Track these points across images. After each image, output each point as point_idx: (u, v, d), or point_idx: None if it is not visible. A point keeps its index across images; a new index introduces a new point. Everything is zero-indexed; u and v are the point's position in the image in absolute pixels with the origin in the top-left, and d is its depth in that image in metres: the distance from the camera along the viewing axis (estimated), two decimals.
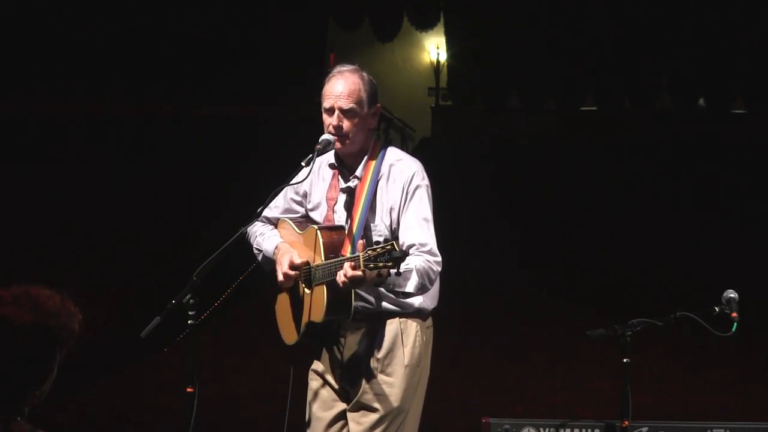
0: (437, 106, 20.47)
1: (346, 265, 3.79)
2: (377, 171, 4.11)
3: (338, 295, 3.91)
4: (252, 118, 16.64)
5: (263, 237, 4.28)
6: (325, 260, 3.96)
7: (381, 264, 3.64)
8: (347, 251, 3.96)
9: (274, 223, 4.34)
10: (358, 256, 3.74)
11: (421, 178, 4.11)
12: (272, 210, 4.32)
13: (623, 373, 4.08)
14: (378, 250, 3.66)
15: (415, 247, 3.99)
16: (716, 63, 17.10)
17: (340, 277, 3.80)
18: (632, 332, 4.11)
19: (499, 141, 17.40)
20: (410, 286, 3.91)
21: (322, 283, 3.94)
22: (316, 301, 3.99)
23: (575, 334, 6.43)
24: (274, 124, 16.20)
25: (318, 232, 4.04)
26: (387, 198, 4.10)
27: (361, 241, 3.90)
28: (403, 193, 4.08)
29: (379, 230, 4.08)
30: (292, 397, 4.19)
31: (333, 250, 3.99)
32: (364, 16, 17.89)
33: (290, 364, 4.22)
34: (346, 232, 4.05)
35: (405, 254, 3.69)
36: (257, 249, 4.29)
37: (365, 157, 4.14)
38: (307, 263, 4.07)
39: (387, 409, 4.07)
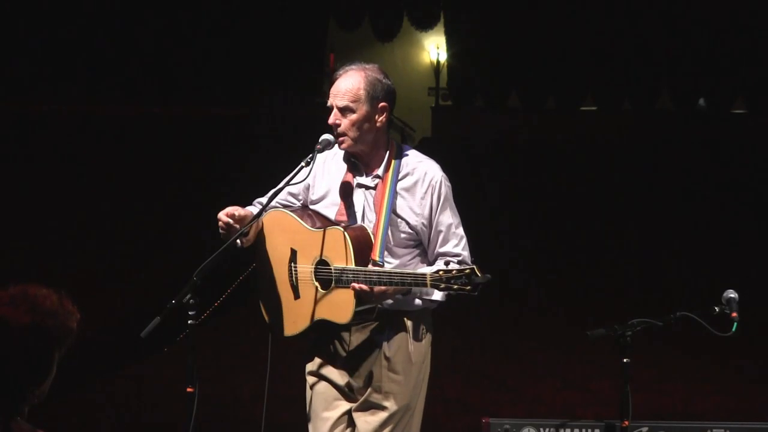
0: (437, 106, 20.49)
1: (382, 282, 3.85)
2: (397, 171, 4.10)
3: (367, 302, 3.95)
4: (252, 117, 16.64)
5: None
6: (356, 265, 3.93)
7: (456, 286, 3.72)
8: (376, 254, 3.96)
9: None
10: (425, 275, 3.78)
11: (448, 185, 4.13)
12: (268, 199, 4.23)
13: (623, 373, 4.08)
14: (454, 273, 3.73)
15: (452, 256, 4.04)
16: (716, 63, 17.10)
17: (376, 288, 3.86)
18: (632, 332, 4.10)
19: (499, 141, 17.41)
20: (440, 295, 4.00)
21: (349, 288, 3.93)
22: (340, 303, 3.96)
23: (575, 334, 6.43)
24: (274, 123, 16.21)
25: (345, 234, 3.97)
26: (411, 200, 4.09)
27: (395, 263, 3.98)
28: (431, 200, 4.09)
29: (403, 229, 4.08)
30: (271, 370, 4.15)
31: (362, 253, 3.97)
32: (364, 16, 17.90)
33: (268, 332, 4.18)
34: (372, 233, 4.04)
35: (488, 279, 3.74)
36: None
37: (386, 156, 4.12)
38: (325, 262, 4.02)
39: (395, 408, 4.07)
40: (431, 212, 4.10)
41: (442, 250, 4.09)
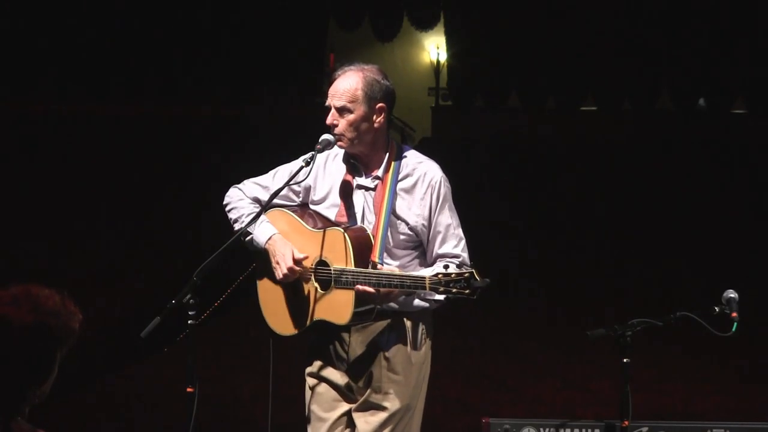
0: (437, 106, 20.48)
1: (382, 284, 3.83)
2: (397, 172, 4.09)
3: (366, 303, 3.94)
4: (251, 118, 16.63)
5: (250, 218, 4.12)
6: (356, 266, 3.93)
7: (455, 290, 3.69)
8: (376, 256, 3.96)
9: (261, 205, 4.19)
10: (424, 278, 3.77)
11: (448, 186, 4.13)
12: (263, 191, 4.22)
13: (623, 373, 4.08)
14: (453, 276, 3.70)
15: (452, 257, 4.05)
16: (716, 63, 17.09)
17: (381, 289, 3.85)
18: (632, 332, 4.10)
19: (499, 141, 17.40)
20: (441, 296, 3.96)
21: (350, 289, 3.93)
22: (339, 304, 3.96)
23: (575, 334, 6.43)
24: (274, 123, 16.20)
25: (345, 235, 3.97)
26: (410, 201, 4.09)
27: (395, 265, 3.95)
28: (431, 200, 4.08)
29: (402, 231, 4.08)
30: (274, 371, 4.16)
31: (361, 254, 3.97)
32: (364, 16, 17.89)
33: (268, 332, 4.18)
34: (371, 235, 4.03)
35: (488, 283, 3.71)
36: (242, 227, 4.11)
37: (385, 157, 4.12)
38: (325, 263, 4.02)
39: (396, 408, 4.08)
40: (431, 212, 4.09)
41: (441, 251, 4.08)
